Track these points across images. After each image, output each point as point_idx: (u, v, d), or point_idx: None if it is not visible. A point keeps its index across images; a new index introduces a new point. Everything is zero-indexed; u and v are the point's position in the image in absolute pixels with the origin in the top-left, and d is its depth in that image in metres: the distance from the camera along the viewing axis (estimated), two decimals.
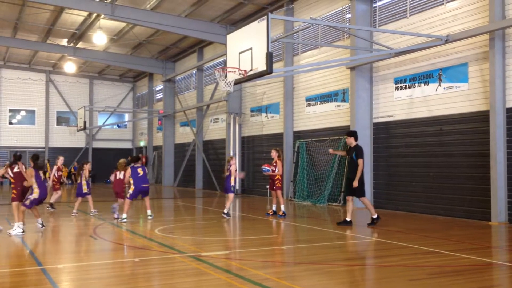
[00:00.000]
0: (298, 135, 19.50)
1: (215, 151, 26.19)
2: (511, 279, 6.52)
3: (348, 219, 11.47)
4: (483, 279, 6.41)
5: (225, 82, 11.84)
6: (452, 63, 13.30)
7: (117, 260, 7.72)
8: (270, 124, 21.51)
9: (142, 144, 36.56)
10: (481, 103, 12.52)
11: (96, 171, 35.24)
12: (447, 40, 12.71)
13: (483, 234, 10.29)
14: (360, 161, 11.22)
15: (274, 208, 13.68)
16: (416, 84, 14.38)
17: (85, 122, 29.45)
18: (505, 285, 6.34)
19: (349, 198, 11.57)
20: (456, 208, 12.97)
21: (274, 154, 13.51)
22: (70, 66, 31.67)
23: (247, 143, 23.35)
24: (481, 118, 12.39)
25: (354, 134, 11.76)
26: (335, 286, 6.16)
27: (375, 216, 11.33)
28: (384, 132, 15.51)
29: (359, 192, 11.34)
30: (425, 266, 7.03)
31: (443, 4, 13.64)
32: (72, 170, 32.16)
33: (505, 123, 11.83)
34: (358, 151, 11.37)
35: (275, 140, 20.79)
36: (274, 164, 13.36)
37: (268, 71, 10.59)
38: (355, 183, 11.12)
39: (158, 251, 8.31)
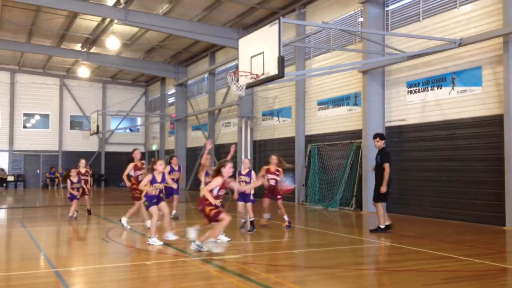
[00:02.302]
0: (309, 139, 19.46)
1: (226, 155, 26.15)
2: None
3: (388, 223, 10.80)
4: (498, 285, 6.32)
5: (237, 86, 11.87)
6: (465, 67, 13.19)
7: (129, 264, 7.76)
8: (281, 128, 21.50)
9: (154, 148, 36.75)
10: (495, 107, 12.39)
11: (108, 175, 35.53)
12: (461, 43, 12.62)
13: (497, 239, 10.17)
14: (386, 165, 10.62)
15: (286, 217, 11.96)
16: (429, 88, 14.28)
17: (98, 126, 29.68)
18: None
19: (375, 204, 10.88)
20: (469, 213, 12.83)
21: (276, 160, 11.87)
22: (83, 71, 31.97)
23: (259, 147, 23.35)
24: (495, 122, 12.26)
25: (383, 137, 11.06)
26: None
27: (382, 226, 10.76)
28: (397, 136, 15.42)
29: (377, 197, 10.78)
30: (439, 271, 6.96)
31: (456, 7, 13.55)
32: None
33: None
34: (383, 155, 10.77)
35: (287, 144, 20.77)
36: (277, 173, 11.71)
37: (280, 75, 10.60)
38: (383, 189, 10.57)
39: (170, 255, 8.33)
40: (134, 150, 12.74)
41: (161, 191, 9.73)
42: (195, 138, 30.46)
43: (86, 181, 14.31)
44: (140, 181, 11.41)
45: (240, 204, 11.15)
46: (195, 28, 21.94)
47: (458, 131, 13.35)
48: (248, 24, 22.31)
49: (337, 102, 18.00)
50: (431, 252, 8.30)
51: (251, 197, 11.18)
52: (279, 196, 11.72)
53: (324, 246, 9.20)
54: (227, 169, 8.23)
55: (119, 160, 35.51)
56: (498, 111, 12.25)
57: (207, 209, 8.22)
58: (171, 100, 34.13)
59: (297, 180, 19.60)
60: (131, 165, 12.18)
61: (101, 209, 17.09)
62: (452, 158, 13.51)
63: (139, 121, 39.23)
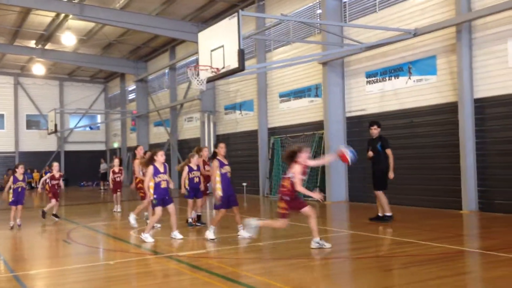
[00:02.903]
0: (272, 131, 19.55)
1: (190, 150, 25.93)
2: (482, 266, 6.68)
3: (388, 214, 10.56)
4: (456, 267, 6.54)
5: (198, 80, 11.79)
6: (421, 56, 13.52)
7: (92, 264, 7.61)
8: (244, 122, 21.51)
9: (115, 145, 36.10)
10: (450, 95, 12.77)
11: (69, 175, 34.69)
12: (415, 33, 12.92)
13: (455, 222, 10.52)
14: (389, 150, 10.52)
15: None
16: (387, 78, 14.57)
17: (56, 125, 28.90)
18: (477, 271, 6.49)
19: (377, 192, 10.68)
20: (429, 199, 13.20)
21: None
22: (38, 68, 31.00)
23: (222, 141, 23.25)
24: (450, 109, 12.64)
25: (379, 124, 11.00)
26: (312, 280, 6.20)
27: (381, 214, 10.61)
28: (357, 126, 15.68)
29: (380, 185, 10.58)
30: (400, 256, 7.14)
31: None
32: (43, 174, 31.53)
33: (473, 114, 12.10)
34: (384, 141, 10.64)
35: (250, 137, 20.81)
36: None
37: (240, 68, 10.59)
38: (391, 175, 10.39)
39: (134, 253, 8.22)
40: (137, 146, 12.18)
41: (168, 188, 9.17)
42: (158, 134, 30.10)
43: (58, 185, 13.35)
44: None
45: (191, 200, 10.82)
46: (153, 23, 21.62)
47: (415, 119, 13.69)
48: (207, 17, 22.15)
49: (299, 94, 18.14)
50: (392, 238, 8.51)
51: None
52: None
53: (289, 237, 9.28)
54: (305, 155, 7.65)
55: (80, 159, 34.76)
56: (452, 99, 12.63)
57: (281, 204, 7.77)
58: (131, 96, 33.57)
59: (261, 172, 19.70)
60: (137, 162, 11.54)
61: (62, 210, 16.67)
62: (411, 146, 13.86)
63: (99, 118, 38.41)
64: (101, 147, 37.64)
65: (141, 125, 31.12)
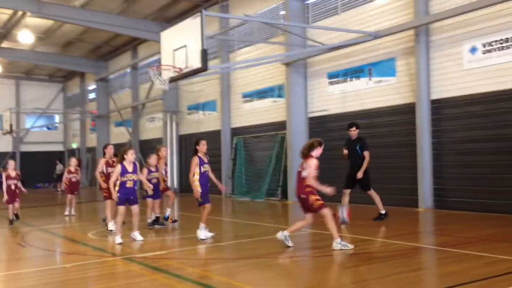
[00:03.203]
0: (235, 131, 19.54)
1: (152, 150, 25.67)
2: (437, 262, 6.87)
3: (383, 211, 10.61)
4: (411, 263, 6.70)
5: (160, 80, 11.67)
6: (381, 58, 13.81)
7: (48, 267, 7.39)
8: (207, 122, 21.42)
9: (74, 146, 35.23)
10: (408, 96, 13.10)
11: (25, 176, 33.57)
12: (376, 36, 13.18)
13: (412, 220, 10.79)
14: (366, 153, 10.57)
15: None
16: (349, 79, 14.81)
17: (11, 125, 28.00)
18: (431, 267, 6.67)
19: (346, 191, 10.70)
20: (389, 197, 13.42)
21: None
22: None
23: (185, 141, 23.11)
24: (409, 110, 12.96)
25: (358, 126, 11.01)
26: (274, 279, 6.22)
27: (383, 212, 10.57)
28: (319, 126, 15.86)
29: (366, 186, 10.61)
30: (358, 254, 7.26)
31: (371, 1, 14.12)
32: None
33: (430, 114, 12.46)
34: (363, 143, 10.69)
35: (213, 137, 20.71)
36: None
37: (204, 68, 10.56)
38: (360, 174, 10.41)
39: (91, 255, 8.04)
40: (107, 145, 11.50)
41: (135, 188, 8.95)
42: (119, 135, 29.59)
43: (16, 186, 12.32)
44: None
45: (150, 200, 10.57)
46: (115, 21, 21.24)
47: (375, 119, 13.96)
48: (170, 17, 21.93)
49: (262, 94, 18.20)
50: (352, 236, 8.63)
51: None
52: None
53: (251, 237, 9.29)
54: (319, 150, 7.57)
55: (36, 160, 33.74)
56: (411, 100, 12.95)
57: (312, 198, 7.52)
58: (91, 96, 32.88)
59: (223, 173, 19.65)
60: (102, 161, 11.07)
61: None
62: (371, 145, 14.06)
63: (57, 118, 37.43)
64: (59, 147, 36.65)
65: (101, 125, 30.51)
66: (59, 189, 28.18)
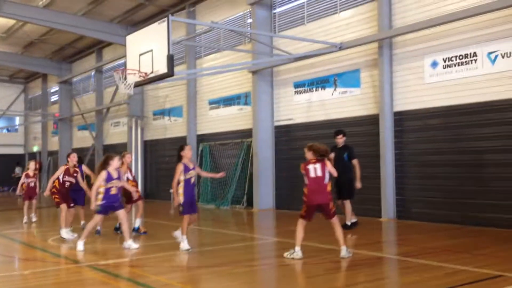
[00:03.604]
0: (201, 138, 19.46)
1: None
2: (399, 271, 7.02)
3: (354, 220, 10.75)
4: (374, 272, 6.83)
5: (125, 84, 11.51)
6: (345, 69, 14.06)
7: (5, 274, 7.16)
8: (173, 128, 21.24)
9: (35, 149, 34.24)
10: (372, 107, 13.37)
11: None
12: (341, 47, 13.42)
13: (374, 230, 10.98)
14: (356, 160, 10.55)
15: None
16: (314, 89, 15.00)
17: None
18: (394, 277, 6.82)
19: (345, 201, 10.67)
20: (352, 207, 13.66)
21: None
22: None
23: (150, 147, 22.84)
24: (372, 121, 13.23)
25: (345, 133, 10.96)
26: (237, 287, 6.22)
27: (354, 220, 10.75)
28: (285, 135, 15.99)
29: (349, 194, 10.61)
30: (322, 263, 7.34)
31: (336, 13, 14.38)
32: None
33: (393, 126, 12.74)
34: (351, 151, 10.65)
35: (179, 143, 20.47)
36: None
37: (170, 73, 10.48)
38: (358, 185, 10.46)
39: (51, 262, 7.83)
40: (71, 153, 11.05)
41: (118, 195, 8.82)
42: (82, 138, 28.97)
43: None
44: (66, 187, 10.42)
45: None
46: (79, 23, 20.84)
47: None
48: (136, 20, 21.71)
49: (228, 101, 18.21)
50: (316, 245, 8.72)
51: None
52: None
53: (215, 245, 9.26)
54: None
55: None
56: (374, 111, 13.23)
57: (332, 204, 7.56)
58: (54, 98, 32.08)
59: None
60: (62, 169, 10.61)
61: None
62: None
63: (17, 120, 36.34)
64: (19, 150, 35.57)
65: (63, 128, 29.81)
66: (19, 193, 27.35)
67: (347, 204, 10.69)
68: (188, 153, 8.57)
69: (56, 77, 29.79)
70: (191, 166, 8.60)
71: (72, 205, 10.62)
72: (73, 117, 29.61)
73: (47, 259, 8.15)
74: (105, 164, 8.63)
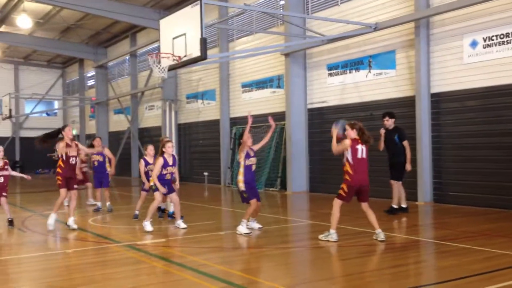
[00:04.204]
0: (234, 121, 19.54)
1: (151, 138, 25.72)
2: (437, 255, 6.93)
3: (403, 205, 10.54)
4: (410, 256, 6.77)
5: (159, 68, 11.63)
6: (380, 50, 13.79)
7: (49, 253, 7.46)
8: (206, 111, 21.40)
9: (73, 132, 35.15)
10: (408, 89, 13.10)
11: (24, 162, 33.63)
12: (376, 27, 13.15)
13: (410, 213, 10.82)
14: (406, 142, 10.40)
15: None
16: (348, 71, 14.80)
17: (10, 110, 27.92)
18: (431, 260, 6.74)
19: (393, 183, 10.57)
20: (387, 190, 13.51)
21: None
22: None
23: (184, 130, 23.11)
24: (408, 103, 12.98)
25: (392, 115, 10.76)
26: (272, 269, 6.29)
27: (396, 206, 10.50)
28: (318, 117, 15.88)
29: (398, 176, 10.49)
30: (356, 246, 7.33)
31: None
32: None
33: (430, 108, 12.47)
34: (401, 133, 10.52)
35: (212, 127, 20.74)
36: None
37: (203, 57, 10.51)
38: (408, 167, 10.33)
39: (92, 242, 8.10)
40: (65, 126, 9.89)
41: (171, 180, 9.14)
42: (118, 122, 29.56)
43: (6, 177, 10.03)
44: (71, 163, 9.33)
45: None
46: (113, 8, 21.07)
47: (374, 112, 13.97)
48: (169, 4, 21.79)
49: (261, 84, 18.18)
50: (350, 228, 8.70)
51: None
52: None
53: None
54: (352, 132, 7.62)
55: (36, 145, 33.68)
56: (410, 93, 12.96)
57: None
58: (90, 82, 32.76)
59: (222, 162, 19.69)
60: (62, 145, 9.42)
61: (17, 198, 16.20)
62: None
63: (56, 104, 37.31)
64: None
65: (100, 112, 30.46)
66: None
67: (398, 186, 10.52)
68: (248, 140, 8.64)
69: (92, 62, 30.37)
70: (252, 153, 8.70)
71: (75, 186, 9.56)
72: (109, 101, 30.19)
73: (87, 239, 8.42)
74: (161, 151, 8.89)
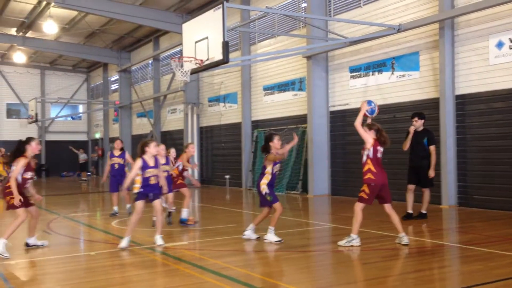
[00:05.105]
0: (256, 124, 19.56)
1: (173, 142, 25.94)
2: (461, 260, 6.80)
3: (409, 211, 10.19)
4: (434, 260, 6.65)
5: (182, 71, 11.71)
6: (404, 52, 13.63)
7: (73, 255, 7.56)
8: (228, 114, 21.47)
9: (97, 136, 35.74)
10: (432, 91, 12.92)
11: (50, 165, 34.30)
12: (399, 29, 13.00)
13: (435, 217, 10.66)
14: (433, 147, 10.00)
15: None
16: (371, 73, 14.66)
17: (36, 114, 28.50)
18: (456, 265, 6.61)
19: (412, 187, 10.23)
20: (399, 193, 13.34)
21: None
22: (19, 56, 30.47)
23: (206, 133, 23.23)
24: (432, 106, 12.79)
25: (422, 116, 10.30)
26: (293, 272, 6.25)
27: (424, 212, 10.17)
28: (341, 120, 15.77)
29: (430, 182, 10.11)
30: (379, 250, 7.24)
31: None
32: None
33: (455, 110, 12.27)
34: (431, 136, 10.09)
35: (234, 130, 20.80)
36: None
37: (225, 60, 10.55)
38: (432, 173, 9.91)
39: (115, 244, 8.18)
40: (30, 139, 7.75)
41: (158, 184, 7.87)
42: (141, 125, 29.89)
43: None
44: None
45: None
46: (137, 12, 21.35)
47: (398, 114, 13.81)
48: (192, 8, 21.97)
49: (283, 87, 18.16)
50: (372, 231, 8.60)
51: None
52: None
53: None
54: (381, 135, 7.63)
55: (61, 149, 34.34)
56: (434, 95, 12.77)
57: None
58: (114, 86, 33.23)
59: (244, 165, 19.71)
60: (22, 162, 7.44)
61: (43, 200, 16.49)
62: (393, 140, 13.92)
63: (81, 108, 37.95)
64: (83, 137, 37.21)
65: (123, 115, 30.86)
66: (83, 178, 28.72)
67: (426, 192, 10.15)
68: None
69: (116, 66, 30.81)
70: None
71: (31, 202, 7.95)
72: (132, 104, 30.56)
73: (110, 241, 8.51)
74: (141, 151, 7.81)
